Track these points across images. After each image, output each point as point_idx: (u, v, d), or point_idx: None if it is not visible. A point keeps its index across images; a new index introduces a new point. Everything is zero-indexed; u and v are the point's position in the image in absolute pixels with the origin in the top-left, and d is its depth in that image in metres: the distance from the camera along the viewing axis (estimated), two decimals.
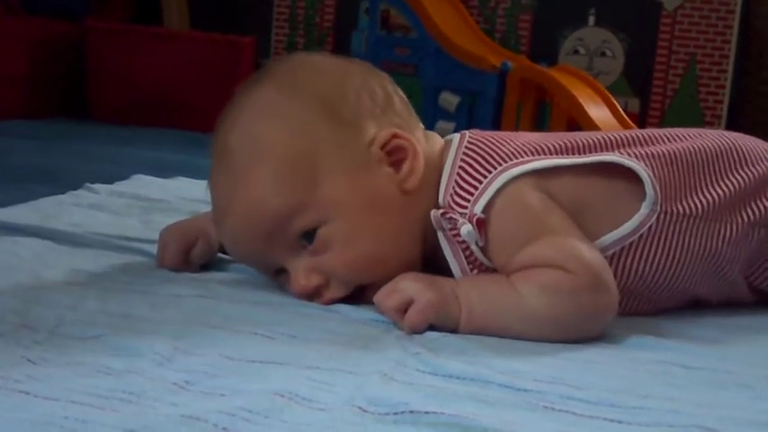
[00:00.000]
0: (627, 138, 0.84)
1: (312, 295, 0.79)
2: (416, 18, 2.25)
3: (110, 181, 1.33)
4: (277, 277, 0.83)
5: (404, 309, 0.74)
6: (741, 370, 0.69)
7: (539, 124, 2.13)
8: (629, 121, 2.05)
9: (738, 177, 0.84)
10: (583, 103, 1.98)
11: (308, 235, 0.78)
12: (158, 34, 2.52)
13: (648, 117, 2.55)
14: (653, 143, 0.84)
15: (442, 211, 0.79)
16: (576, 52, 2.58)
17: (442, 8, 2.34)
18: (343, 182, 0.78)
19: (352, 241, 0.78)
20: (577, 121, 1.96)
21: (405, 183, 0.80)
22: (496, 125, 2.10)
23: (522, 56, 2.36)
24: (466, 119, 2.17)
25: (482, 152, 0.81)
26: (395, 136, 0.80)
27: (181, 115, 2.37)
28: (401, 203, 0.80)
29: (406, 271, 0.78)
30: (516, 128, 2.07)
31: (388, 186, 0.80)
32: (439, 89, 2.22)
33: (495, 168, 0.79)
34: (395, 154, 0.81)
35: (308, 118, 0.79)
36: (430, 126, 2.20)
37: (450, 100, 2.22)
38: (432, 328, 0.74)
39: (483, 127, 2.19)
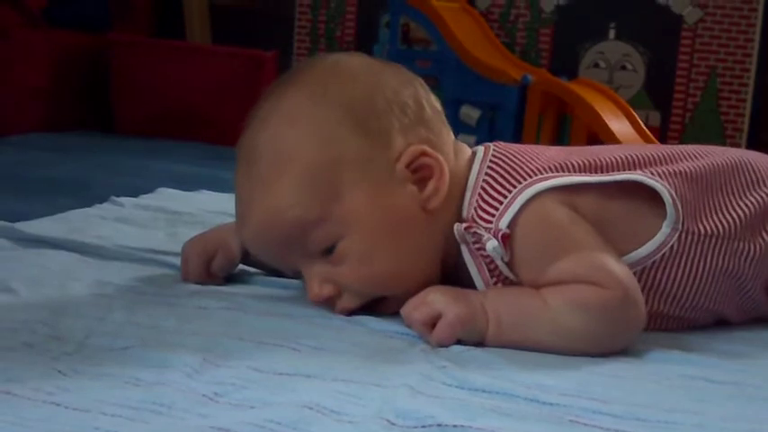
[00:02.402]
0: (650, 156, 0.84)
1: (326, 303, 0.80)
2: (437, 31, 2.26)
3: (134, 194, 1.35)
4: (297, 276, 0.83)
5: (432, 323, 0.74)
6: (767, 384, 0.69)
7: (559, 138, 2.13)
8: (650, 135, 2.05)
9: (760, 195, 0.84)
10: (604, 117, 1.98)
11: (327, 248, 0.79)
12: (181, 48, 2.53)
13: (669, 131, 2.54)
14: (675, 161, 0.84)
15: (465, 225, 0.79)
16: (597, 66, 2.58)
17: (463, 22, 2.35)
18: (363, 198, 0.78)
19: (368, 258, 0.78)
20: (598, 135, 1.96)
21: (428, 202, 0.80)
22: (517, 139, 2.10)
23: (543, 69, 2.36)
24: (487, 132, 2.17)
25: (507, 167, 0.81)
26: (423, 154, 0.80)
27: (204, 129, 2.39)
28: (422, 221, 0.80)
29: (425, 286, 0.77)
30: (537, 141, 2.07)
31: (411, 205, 0.79)
32: (460, 102, 2.22)
33: (521, 183, 0.79)
34: (420, 171, 0.80)
35: (335, 130, 0.79)
36: None
37: (470, 114, 2.22)
38: (457, 341, 0.74)
39: (504, 140, 2.19)
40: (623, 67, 2.56)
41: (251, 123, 0.82)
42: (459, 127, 2.21)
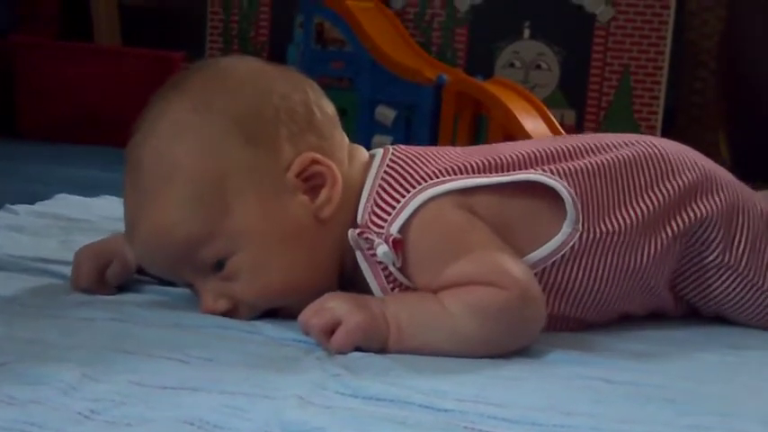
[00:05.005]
0: (553, 151, 0.82)
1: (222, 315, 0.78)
2: (351, 31, 2.25)
3: (34, 201, 1.29)
4: (189, 288, 0.81)
5: (331, 329, 0.71)
6: (666, 383, 0.69)
7: (476, 137, 2.13)
8: (565, 134, 2.06)
9: (663, 190, 0.83)
10: (518, 116, 1.99)
11: (218, 263, 0.76)
12: (87, 50, 2.48)
13: (584, 129, 2.56)
14: (577, 157, 0.82)
15: (359, 230, 0.77)
16: (512, 65, 2.59)
17: (377, 21, 2.34)
18: (253, 211, 0.76)
19: (262, 272, 0.76)
20: (513, 135, 1.96)
21: (321, 211, 0.78)
22: (433, 138, 2.10)
23: (458, 69, 2.36)
24: (403, 132, 2.17)
25: (403, 171, 0.79)
26: (313, 161, 0.78)
27: (111, 132, 2.31)
28: (315, 231, 0.78)
29: (321, 294, 0.75)
30: (453, 141, 2.06)
31: (303, 215, 0.77)
32: (375, 103, 2.21)
33: (414, 188, 0.77)
34: (312, 180, 0.78)
35: (220, 142, 0.76)
36: (366, 140, 2.19)
37: (386, 114, 2.21)
38: (357, 348, 0.72)
39: (420, 140, 2.18)
40: (538, 67, 2.58)
41: (137, 130, 0.79)
42: (374, 127, 2.19)
